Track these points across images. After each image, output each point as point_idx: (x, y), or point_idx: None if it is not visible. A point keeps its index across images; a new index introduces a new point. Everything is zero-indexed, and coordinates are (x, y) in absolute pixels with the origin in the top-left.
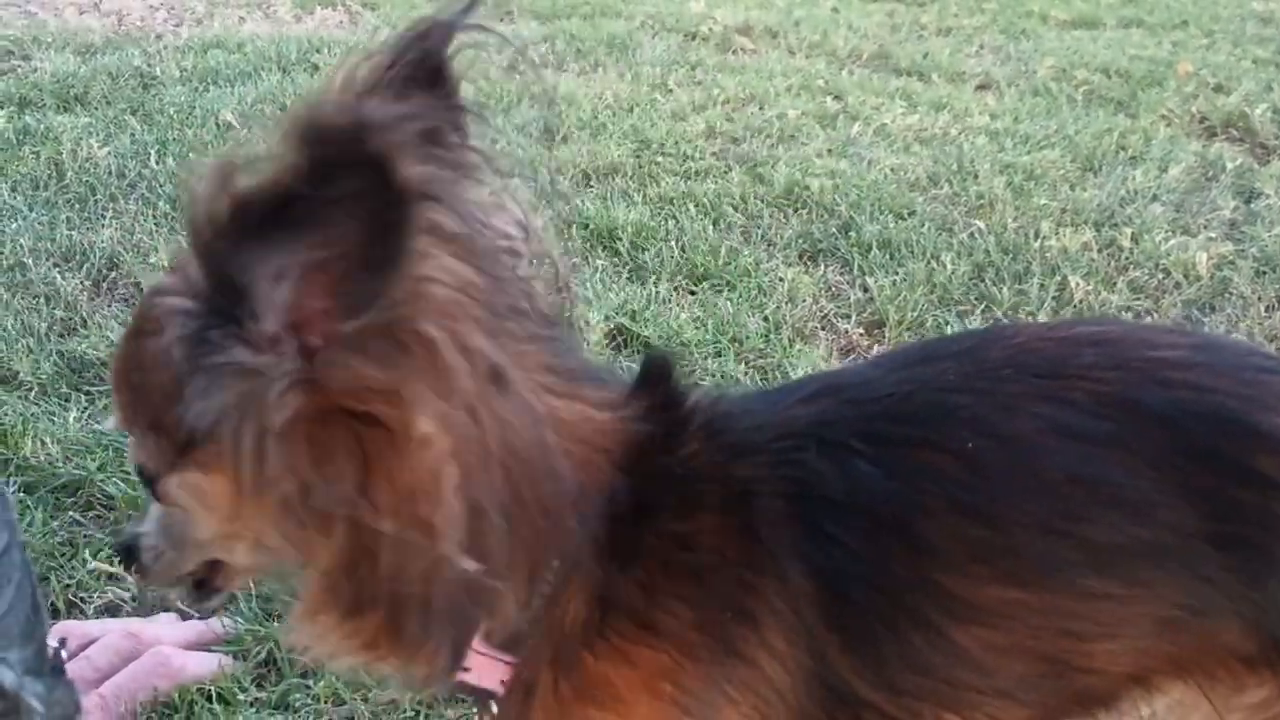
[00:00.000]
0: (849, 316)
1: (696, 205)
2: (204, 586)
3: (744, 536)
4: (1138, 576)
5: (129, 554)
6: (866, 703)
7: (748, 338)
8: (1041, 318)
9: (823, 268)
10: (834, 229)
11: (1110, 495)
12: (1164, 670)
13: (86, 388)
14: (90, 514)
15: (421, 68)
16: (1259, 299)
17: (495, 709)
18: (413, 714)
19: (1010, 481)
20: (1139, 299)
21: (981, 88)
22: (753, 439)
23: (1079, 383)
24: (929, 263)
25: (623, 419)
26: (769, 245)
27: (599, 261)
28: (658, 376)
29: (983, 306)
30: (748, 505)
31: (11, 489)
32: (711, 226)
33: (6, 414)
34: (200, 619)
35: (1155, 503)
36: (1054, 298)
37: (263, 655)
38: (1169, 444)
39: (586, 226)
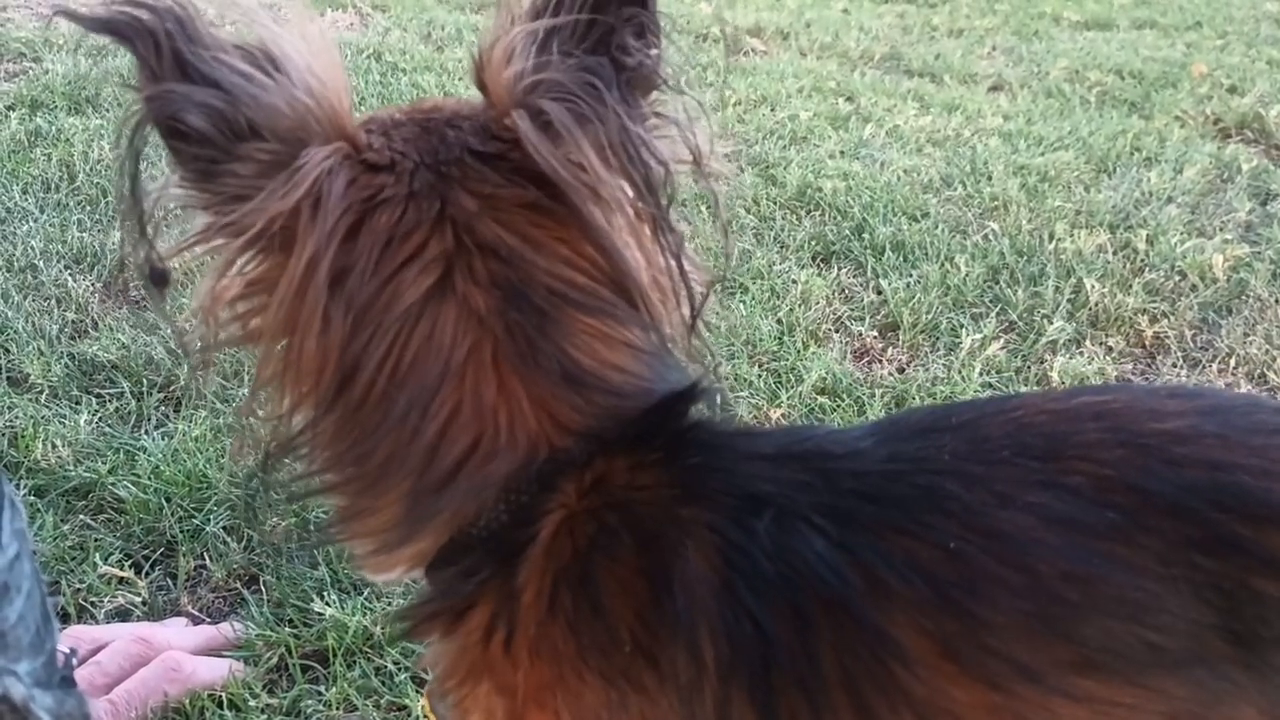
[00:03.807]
0: (862, 319)
1: (708, 207)
2: None
3: (653, 585)
4: (1142, 681)
5: None
6: None
7: (761, 340)
8: (1057, 321)
9: (836, 270)
10: (847, 231)
11: (1110, 595)
12: None
13: (98, 390)
14: (101, 518)
15: None
16: (1276, 301)
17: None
18: None
19: (995, 578)
20: (1155, 301)
21: (994, 89)
22: (711, 487)
23: (1080, 464)
24: (943, 265)
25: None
26: (782, 247)
27: None
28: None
29: (997, 309)
30: (670, 555)
31: (22, 492)
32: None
33: (17, 417)
34: (212, 624)
35: (1164, 603)
36: (1069, 300)
37: (274, 661)
38: (1179, 535)
39: None
